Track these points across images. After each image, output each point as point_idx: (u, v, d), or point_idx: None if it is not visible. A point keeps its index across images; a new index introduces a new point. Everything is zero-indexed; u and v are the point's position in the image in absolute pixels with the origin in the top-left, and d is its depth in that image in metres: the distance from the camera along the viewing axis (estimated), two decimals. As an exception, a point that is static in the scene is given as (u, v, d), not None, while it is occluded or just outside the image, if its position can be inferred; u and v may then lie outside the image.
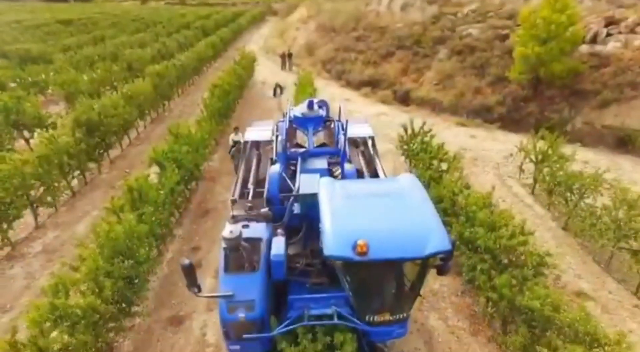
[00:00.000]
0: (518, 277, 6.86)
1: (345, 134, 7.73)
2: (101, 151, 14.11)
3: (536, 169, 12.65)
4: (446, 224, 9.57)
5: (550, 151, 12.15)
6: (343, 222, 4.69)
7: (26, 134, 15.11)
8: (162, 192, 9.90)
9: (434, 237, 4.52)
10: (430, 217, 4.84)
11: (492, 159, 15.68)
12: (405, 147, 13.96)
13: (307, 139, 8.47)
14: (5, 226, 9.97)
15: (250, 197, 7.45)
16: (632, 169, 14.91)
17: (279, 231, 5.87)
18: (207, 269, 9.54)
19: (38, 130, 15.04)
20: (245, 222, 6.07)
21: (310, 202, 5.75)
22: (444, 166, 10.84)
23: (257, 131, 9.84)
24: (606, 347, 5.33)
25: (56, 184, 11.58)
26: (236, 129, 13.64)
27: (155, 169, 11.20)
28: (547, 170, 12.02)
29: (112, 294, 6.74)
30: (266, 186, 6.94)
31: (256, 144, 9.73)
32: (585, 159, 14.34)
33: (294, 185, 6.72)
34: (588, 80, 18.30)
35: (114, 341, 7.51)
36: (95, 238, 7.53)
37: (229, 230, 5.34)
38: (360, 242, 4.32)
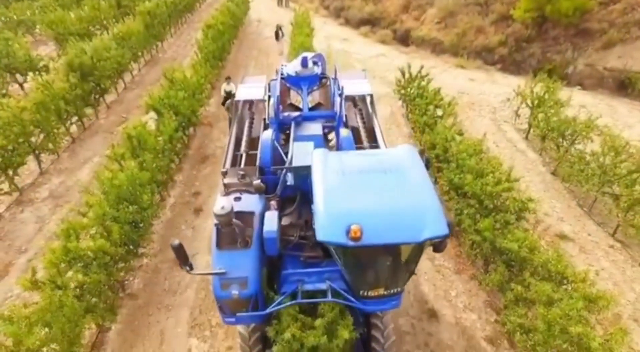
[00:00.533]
0: (501, 221, 7.30)
1: (341, 95, 7.42)
2: (97, 96, 14.05)
3: (531, 114, 12.72)
4: (439, 170, 9.91)
5: (546, 96, 12.14)
6: (336, 204, 4.51)
7: (19, 77, 14.92)
8: (160, 139, 10.08)
9: (431, 220, 4.34)
10: (429, 198, 4.59)
11: (490, 103, 15.64)
12: (402, 91, 13.88)
13: (302, 100, 8.16)
14: (11, 172, 10.28)
15: (242, 164, 7.01)
16: (628, 114, 14.95)
17: (272, 203, 5.67)
18: (208, 214, 10.02)
19: (31, 74, 14.85)
20: (237, 195, 5.83)
21: (304, 174, 5.57)
22: (440, 112, 10.92)
23: (250, 88, 9.06)
24: (572, 284, 5.87)
25: (55, 131, 11.72)
26: (228, 79, 13.21)
27: (152, 114, 11.28)
28: (541, 115, 12.10)
29: (119, 237, 7.21)
30: (258, 154, 6.56)
31: (249, 103, 9.07)
32: (582, 103, 14.33)
33: (287, 154, 6.38)
34: (595, 18, 17.66)
35: (125, 279, 8.14)
36: (99, 185, 7.87)
37: (220, 205, 5.08)
38: (354, 227, 4.21)
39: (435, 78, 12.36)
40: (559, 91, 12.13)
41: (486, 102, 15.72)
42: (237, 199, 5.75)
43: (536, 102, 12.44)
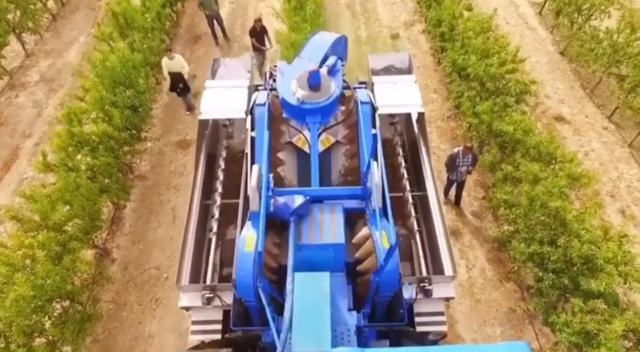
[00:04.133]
0: (500, 104, 7.30)
1: (376, 137, 4.61)
2: (70, -35, 12.63)
3: (549, -14, 11.64)
4: (442, 49, 9.49)
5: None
6: None
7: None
8: (148, 16, 9.41)
9: None
10: None
11: (505, -27, 14.15)
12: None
13: (307, 142, 4.69)
14: (-5, 54, 9.86)
15: (213, 259, 4.97)
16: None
17: None
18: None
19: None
20: None
21: None
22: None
23: (224, 93, 5.89)
24: (560, 164, 6.17)
25: (32, 7, 10.85)
26: (169, 52, 8.80)
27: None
28: (560, -13, 11.07)
29: (121, 122, 7.29)
30: (233, 273, 3.91)
31: (224, 124, 6.40)
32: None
33: (281, 277, 3.80)
34: None
35: (132, 162, 8.48)
36: (92, 68, 7.64)
37: None
38: None
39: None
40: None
41: (501, -29, 14.22)
42: None
43: (556, -30, 11.25)
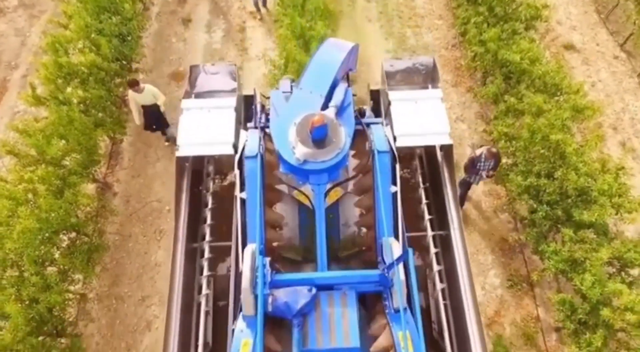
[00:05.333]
0: (508, 31, 6.92)
1: (396, 196, 3.92)
2: None
3: None
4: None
5: None
6: None
7: None
8: None
9: None
10: None
11: None
12: None
13: (310, 201, 3.86)
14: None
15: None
16: None
17: None
18: (198, 25, 9.44)
19: None
20: None
21: None
22: None
23: (206, 121, 4.89)
24: (565, 96, 6.00)
25: None
26: (133, 85, 6.58)
27: None
28: None
29: (109, 51, 6.95)
30: None
31: (208, 162, 5.34)
32: None
33: None
34: None
35: (125, 95, 8.22)
36: (72, -8, 7.12)
37: None
38: None
39: None
40: None
41: None
42: None
43: None
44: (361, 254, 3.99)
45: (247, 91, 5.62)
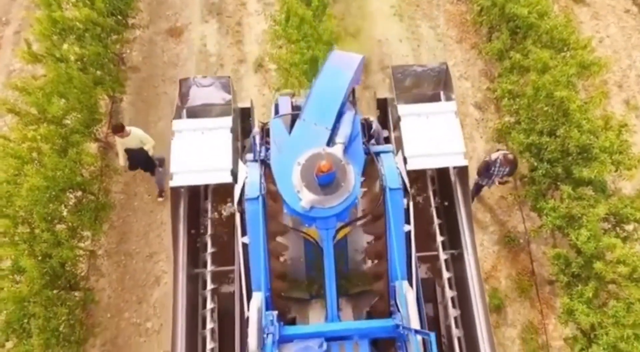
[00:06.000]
0: (517, -17, 6.66)
1: (410, 237, 3.63)
2: None
3: None
4: None
5: None
6: None
7: None
8: None
9: None
10: None
11: None
12: None
13: (318, 241, 3.54)
14: None
15: None
16: None
17: None
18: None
19: None
20: None
21: None
22: None
23: (200, 145, 4.58)
24: (571, 51, 5.89)
25: None
26: (118, 131, 6.05)
27: None
28: None
29: (104, 6, 6.73)
30: None
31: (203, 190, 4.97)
32: None
33: None
34: None
35: (122, 52, 8.05)
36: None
37: None
38: None
39: None
40: None
41: None
42: None
43: None
44: (372, 290, 3.78)
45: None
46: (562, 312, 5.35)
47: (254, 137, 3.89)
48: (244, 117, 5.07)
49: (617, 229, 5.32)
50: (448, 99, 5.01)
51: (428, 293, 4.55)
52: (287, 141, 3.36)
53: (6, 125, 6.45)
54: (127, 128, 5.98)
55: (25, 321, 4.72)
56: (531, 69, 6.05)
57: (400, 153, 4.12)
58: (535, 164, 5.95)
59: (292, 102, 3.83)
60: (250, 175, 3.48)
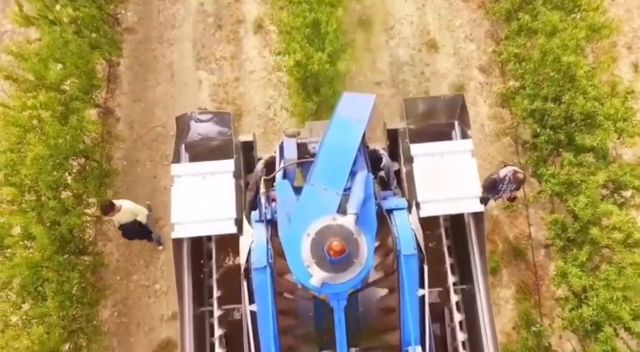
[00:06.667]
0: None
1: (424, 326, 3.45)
2: None
3: None
4: None
5: None
6: None
7: None
8: None
9: None
10: None
11: None
12: None
13: (330, 303, 3.33)
14: None
15: None
16: None
17: None
18: None
19: None
20: None
21: None
22: None
23: (201, 191, 4.35)
24: (582, 13, 5.69)
25: None
26: (108, 211, 5.48)
27: None
28: None
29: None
30: None
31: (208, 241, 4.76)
32: None
33: None
34: None
35: (117, 13, 7.78)
36: None
37: None
38: None
39: None
40: None
41: None
42: None
43: None
44: (384, 344, 3.65)
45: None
46: (556, 274, 5.55)
47: (259, 198, 3.62)
48: (247, 150, 4.75)
49: (615, 195, 5.40)
50: (463, 132, 4.69)
51: (435, 315, 4.50)
52: (295, 208, 3.14)
53: (3, 91, 6.37)
54: (117, 203, 5.54)
55: (39, 284, 4.91)
56: (539, 32, 5.88)
57: (414, 207, 3.83)
58: (538, 130, 5.93)
59: (297, 143, 3.64)
60: (256, 239, 3.29)
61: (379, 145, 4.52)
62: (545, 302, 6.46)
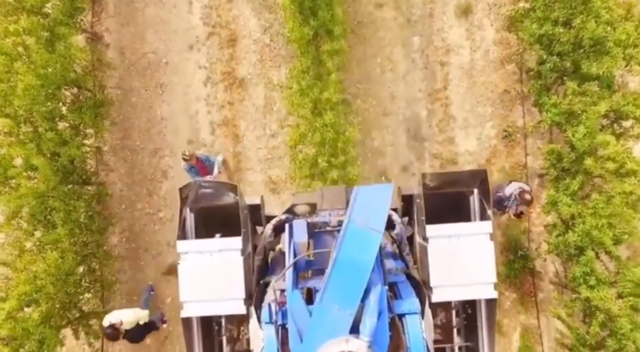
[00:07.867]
0: None
1: None
2: None
3: None
4: None
5: None
6: None
7: None
8: None
9: None
10: None
11: None
12: None
13: None
14: None
15: None
16: None
17: None
18: None
19: None
20: None
21: None
22: None
23: (209, 269, 4.10)
24: None
25: None
26: (114, 337, 5.55)
27: None
28: None
29: None
30: None
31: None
32: None
33: None
34: None
35: None
36: None
37: None
38: None
39: None
40: None
41: None
42: None
43: None
44: None
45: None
46: (547, 202, 5.74)
47: (269, 305, 3.49)
48: (254, 211, 4.58)
49: (615, 125, 5.38)
50: (482, 206, 4.40)
51: None
52: (306, 323, 3.05)
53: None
54: (117, 321, 5.41)
55: (48, 213, 5.09)
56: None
57: (427, 312, 3.71)
58: (545, 57, 5.72)
59: (307, 223, 3.55)
60: (267, 345, 3.22)
61: (392, 206, 4.22)
62: (534, 228, 6.74)
